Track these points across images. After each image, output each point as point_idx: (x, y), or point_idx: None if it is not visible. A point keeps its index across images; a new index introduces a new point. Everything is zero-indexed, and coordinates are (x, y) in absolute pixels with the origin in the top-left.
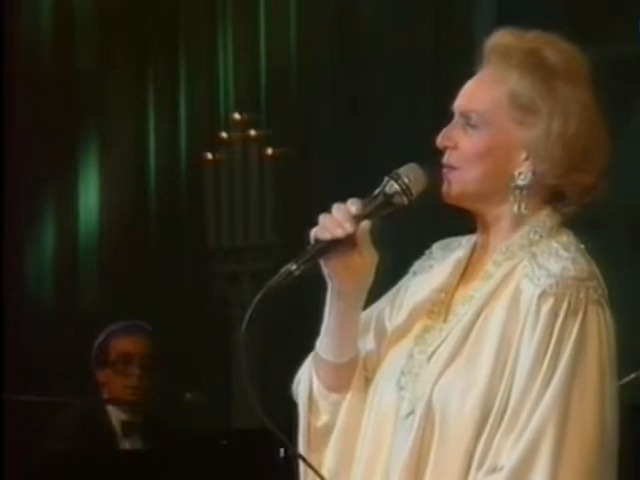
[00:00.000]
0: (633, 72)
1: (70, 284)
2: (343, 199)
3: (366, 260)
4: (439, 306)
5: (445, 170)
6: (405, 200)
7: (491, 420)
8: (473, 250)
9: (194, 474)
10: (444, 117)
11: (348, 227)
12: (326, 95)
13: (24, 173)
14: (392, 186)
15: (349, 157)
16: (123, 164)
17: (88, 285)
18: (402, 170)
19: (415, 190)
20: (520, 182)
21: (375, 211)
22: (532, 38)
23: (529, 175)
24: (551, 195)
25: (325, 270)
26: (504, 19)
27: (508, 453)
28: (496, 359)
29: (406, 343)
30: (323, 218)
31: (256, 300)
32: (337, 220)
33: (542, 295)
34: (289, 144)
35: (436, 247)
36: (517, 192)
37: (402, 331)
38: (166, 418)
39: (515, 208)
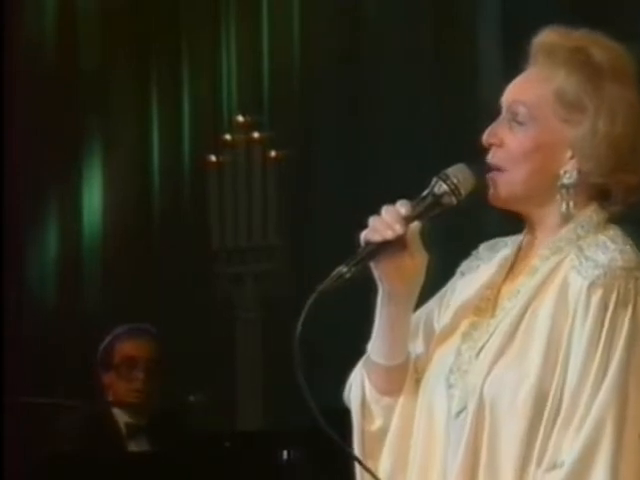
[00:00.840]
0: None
1: (73, 285)
2: (346, 200)
3: (416, 262)
4: (486, 303)
5: (491, 173)
6: (454, 200)
7: (546, 415)
8: (519, 248)
9: (198, 476)
10: (445, 118)
11: (398, 229)
12: (328, 96)
13: (27, 174)
14: (441, 186)
15: (351, 158)
16: (126, 165)
17: (92, 286)
18: (450, 170)
19: (464, 190)
20: (566, 181)
21: (424, 212)
22: (578, 36)
23: (574, 174)
24: (597, 193)
25: (375, 273)
26: (507, 19)
27: (567, 448)
28: (547, 352)
29: (453, 341)
30: (373, 220)
31: (309, 303)
32: (387, 222)
33: (591, 286)
34: (292, 146)
35: (483, 247)
36: (564, 191)
37: (449, 330)
38: (171, 420)
39: (563, 207)
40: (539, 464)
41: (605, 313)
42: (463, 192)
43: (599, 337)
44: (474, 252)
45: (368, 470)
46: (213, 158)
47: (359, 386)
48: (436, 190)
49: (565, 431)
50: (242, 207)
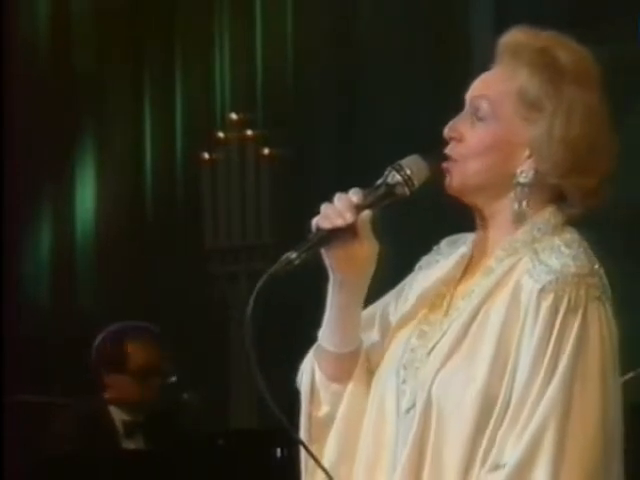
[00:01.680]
0: (631, 71)
1: (67, 285)
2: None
3: (366, 250)
4: (440, 299)
5: (447, 162)
6: (407, 191)
7: (493, 418)
8: (474, 246)
9: (191, 474)
10: (442, 117)
11: (348, 217)
12: (322, 94)
13: (21, 174)
14: (394, 177)
15: (346, 157)
16: (119, 164)
17: (85, 285)
18: (404, 161)
19: (417, 181)
20: (522, 180)
21: (377, 201)
22: (544, 37)
23: (531, 173)
24: (554, 195)
25: (326, 260)
26: (501, 19)
27: (510, 450)
28: (495, 355)
29: (406, 335)
30: (325, 207)
31: (257, 288)
32: (338, 209)
33: (542, 291)
34: (285, 144)
35: (444, 243)
36: (518, 189)
37: (403, 323)
38: (167, 418)
39: (516, 205)
40: (483, 465)
41: (555, 318)
42: (416, 183)
43: (547, 343)
44: (435, 247)
45: (313, 456)
46: (206, 156)
47: (309, 372)
48: (389, 180)
49: (509, 433)
50: (235, 205)
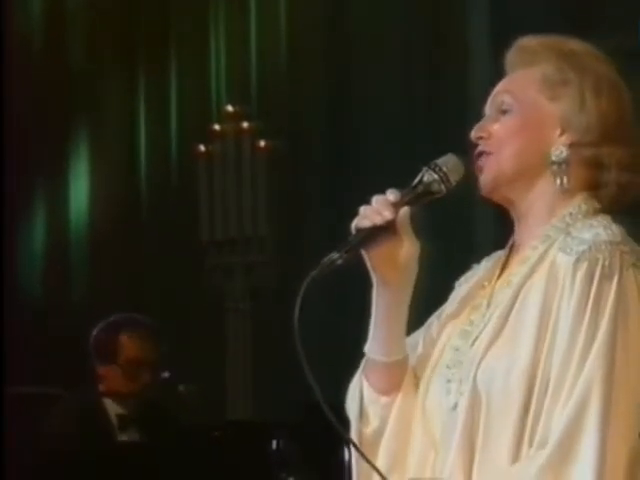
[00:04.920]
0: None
1: (61, 278)
2: (335, 191)
3: (407, 247)
4: (481, 299)
5: (480, 160)
6: (444, 189)
7: (535, 394)
8: (512, 245)
9: (186, 466)
10: (435, 105)
11: (387, 214)
12: (317, 87)
13: (15, 167)
14: (431, 175)
15: (341, 147)
16: (114, 158)
17: (79, 278)
18: (440, 160)
19: (453, 179)
20: (556, 157)
21: (414, 200)
22: (553, 38)
23: (565, 150)
24: (588, 178)
25: (368, 262)
26: (497, 19)
27: (556, 423)
28: (537, 335)
29: (449, 337)
30: (363, 208)
31: (303, 289)
32: (376, 208)
33: (576, 262)
34: (281, 136)
35: (485, 260)
36: (555, 167)
37: (445, 326)
38: (161, 411)
39: (557, 182)
40: (531, 444)
41: (590, 286)
42: (452, 181)
43: (585, 310)
44: (475, 265)
45: (366, 459)
46: (202, 148)
47: (357, 389)
48: (426, 179)
49: (554, 406)
50: (232, 197)
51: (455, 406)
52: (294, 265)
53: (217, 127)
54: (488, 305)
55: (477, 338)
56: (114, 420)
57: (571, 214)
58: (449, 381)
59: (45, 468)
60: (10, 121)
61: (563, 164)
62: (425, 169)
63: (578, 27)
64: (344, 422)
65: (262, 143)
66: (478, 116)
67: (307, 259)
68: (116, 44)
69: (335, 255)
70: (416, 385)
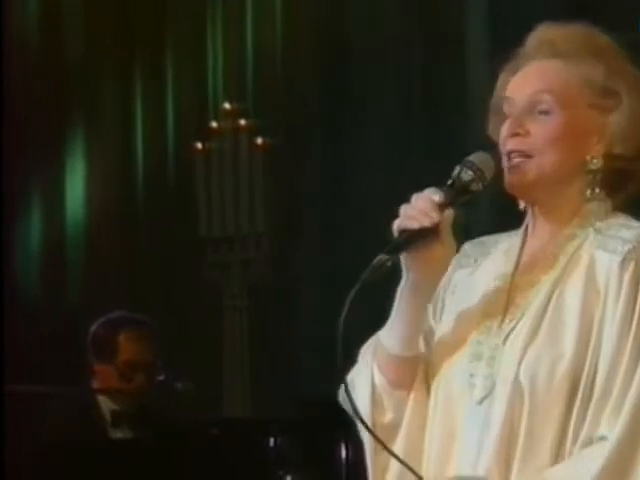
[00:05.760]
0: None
1: (58, 276)
2: (332, 188)
3: (446, 251)
4: (498, 294)
5: (517, 160)
6: (480, 186)
7: (581, 391)
8: (524, 240)
9: (184, 463)
10: (432, 104)
11: (435, 216)
12: (315, 85)
13: (11, 166)
14: (467, 173)
15: (338, 147)
16: (111, 156)
17: (76, 276)
18: (473, 157)
19: (488, 175)
20: (593, 166)
21: (454, 199)
22: (579, 29)
23: (600, 159)
24: (609, 182)
25: (405, 261)
26: (497, 12)
27: (607, 423)
28: (579, 332)
29: (467, 333)
30: (406, 208)
31: (352, 293)
32: (422, 209)
33: (623, 262)
34: (279, 134)
35: (468, 246)
36: (590, 176)
37: (459, 323)
38: (158, 407)
39: (588, 192)
40: (575, 441)
41: (638, 288)
42: (488, 177)
43: (632, 312)
44: (462, 248)
45: (393, 454)
46: (200, 145)
47: (367, 379)
48: (463, 177)
49: (603, 404)
50: (229, 195)
51: (481, 401)
52: (292, 263)
53: (214, 124)
54: (508, 300)
55: (509, 335)
56: (107, 416)
57: (594, 212)
58: (472, 375)
59: (41, 465)
60: (6, 120)
61: (598, 174)
62: (460, 168)
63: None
64: (342, 412)
65: (260, 141)
66: (476, 115)
67: (304, 257)
68: (113, 42)
69: (384, 257)
70: (426, 379)
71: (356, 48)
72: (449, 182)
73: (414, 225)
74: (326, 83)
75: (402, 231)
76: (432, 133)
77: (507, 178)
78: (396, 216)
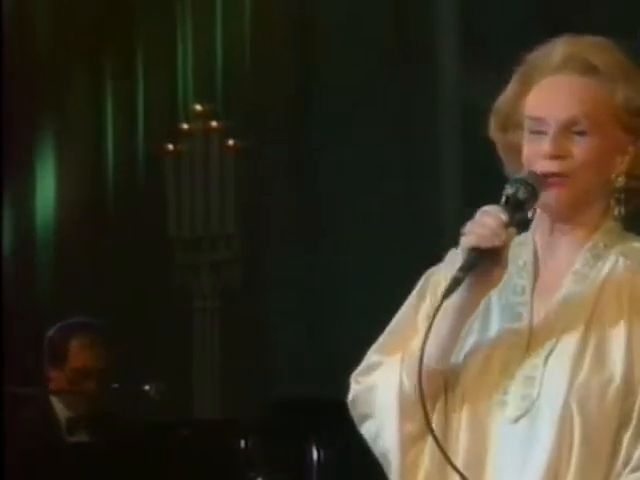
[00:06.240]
0: None
1: (27, 278)
2: (302, 190)
3: (503, 272)
4: (518, 309)
5: (553, 180)
6: (533, 204)
7: (635, 415)
8: (540, 252)
9: (154, 464)
10: (402, 105)
11: (504, 236)
12: (285, 86)
13: None
14: (523, 192)
15: (308, 149)
16: (81, 157)
17: (46, 278)
18: (524, 176)
19: (539, 192)
20: (617, 184)
21: (513, 218)
22: (604, 45)
23: (623, 177)
24: (626, 199)
25: (468, 280)
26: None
27: None
28: (628, 351)
29: (490, 346)
30: (475, 226)
31: (435, 313)
32: (493, 229)
33: None
34: (250, 135)
35: (453, 254)
36: (616, 195)
37: (479, 336)
38: (118, 410)
39: (616, 211)
40: (626, 464)
41: None
42: (539, 196)
43: None
44: (447, 256)
45: (454, 466)
46: (170, 147)
47: (395, 386)
48: (520, 196)
49: None
50: (199, 196)
51: (517, 420)
52: (262, 265)
53: (185, 126)
54: (531, 318)
55: (549, 356)
56: (62, 423)
57: (613, 230)
58: (505, 393)
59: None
60: None
61: (622, 192)
62: (515, 186)
63: (554, 31)
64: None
65: (230, 142)
66: (447, 116)
67: (274, 258)
68: (82, 43)
69: (459, 274)
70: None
71: (327, 48)
72: (504, 200)
73: (486, 244)
74: (297, 84)
75: (472, 249)
76: (404, 134)
77: (543, 198)
78: (366, 219)
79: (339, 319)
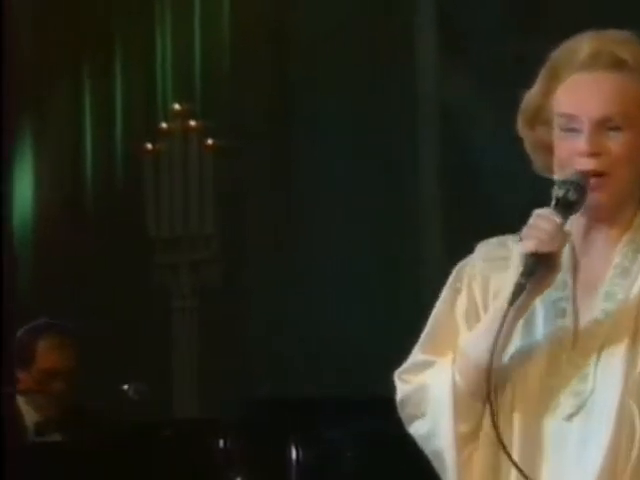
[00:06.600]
0: None
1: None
2: (281, 190)
3: (557, 273)
4: (562, 303)
5: (594, 179)
6: (582, 204)
7: None
8: (577, 247)
9: (133, 465)
10: (384, 105)
11: (562, 240)
12: (263, 86)
13: None
14: (573, 193)
15: (287, 148)
16: (60, 156)
17: (24, 278)
18: (571, 177)
19: (586, 191)
20: None
21: (566, 219)
22: (617, 36)
23: None
24: None
25: (528, 285)
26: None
27: None
28: None
29: (532, 342)
30: (533, 230)
31: (503, 321)
32: (552, 233)
33: None
34: (229, 135)
35: (486, 248)
36: None
37: (525, 335)
38: (96, 410)
39: None
40: None
41: None
42: (587, 195)
43: None
44: (477, 248)
45: (509, 455)
46: (149, 146)
47: (448, 387)
48: (570, 197)
49: None
50: (178, 196)
51: (570, 417)
52: (241, 264)
53: (164, 125)
54: (576, 312)
55: (601, 352)
56: (30, 425)
57: None
58: (556, 391)
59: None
60: None
61: None
62: (564, 188)
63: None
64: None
65: (209, 141)
66: (426, 116)
67: (254, 258)
68: (61, 43)
69: (522, 280)
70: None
71: (305, 48)
72: (554, 202)
73: (545, 249)
74: (276, 84)
75: (532, 254)
76: (385, 136)
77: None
78: (347, 218)
79: (319, 319)
